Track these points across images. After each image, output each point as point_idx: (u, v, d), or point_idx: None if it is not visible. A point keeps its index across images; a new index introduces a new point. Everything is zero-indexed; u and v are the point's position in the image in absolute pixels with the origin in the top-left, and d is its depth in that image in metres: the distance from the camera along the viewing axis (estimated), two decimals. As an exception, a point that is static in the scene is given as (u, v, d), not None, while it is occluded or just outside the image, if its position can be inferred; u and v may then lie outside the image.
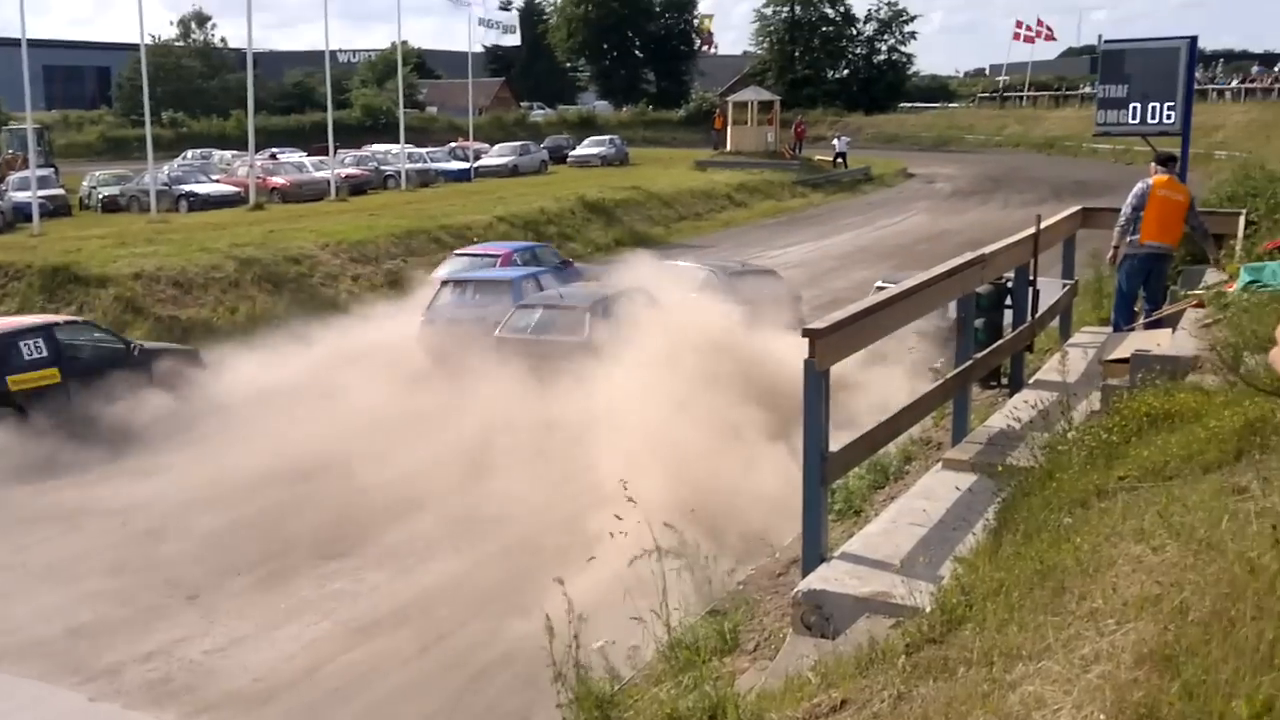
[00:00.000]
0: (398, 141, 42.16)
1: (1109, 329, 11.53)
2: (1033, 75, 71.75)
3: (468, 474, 11.48)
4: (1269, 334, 6.73)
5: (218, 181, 36.48)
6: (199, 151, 47.39)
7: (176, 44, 68.33)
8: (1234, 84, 55.62)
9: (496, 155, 47.17)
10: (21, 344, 13.76)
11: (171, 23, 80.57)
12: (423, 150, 45.41)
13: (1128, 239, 11.06)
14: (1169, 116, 16.43)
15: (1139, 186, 11.07)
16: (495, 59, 75.41)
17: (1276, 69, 57.87)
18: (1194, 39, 16.89)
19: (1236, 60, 71.01)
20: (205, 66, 67.00)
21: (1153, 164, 11.47)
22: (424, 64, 74.50)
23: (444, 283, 18.25)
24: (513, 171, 44.88)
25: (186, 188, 34.13)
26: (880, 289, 11.97)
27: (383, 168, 40.99)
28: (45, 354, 13.89)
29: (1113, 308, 11.63)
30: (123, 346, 15.02)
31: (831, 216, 37.16)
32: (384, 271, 24.13)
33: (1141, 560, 3.42)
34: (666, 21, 78.68)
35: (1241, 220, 12.80)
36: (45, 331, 14.23)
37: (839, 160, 49.22)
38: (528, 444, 11.95)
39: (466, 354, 14.52)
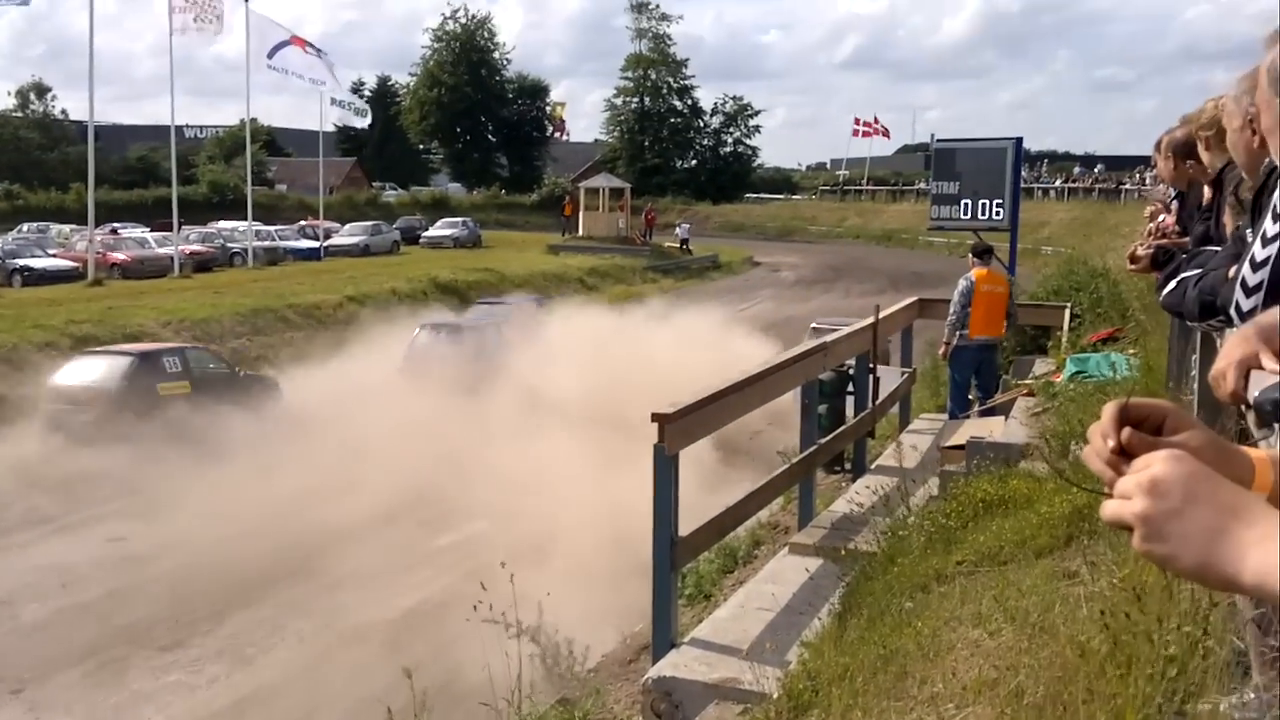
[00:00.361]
0: (245, 219, 41.30)
1: (945, 416, 12.00)
2: (871, 170, 74.77)
3: (313, 556, 11.17)
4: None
5: (55, 256, 35.04)
6: (36, 225, 45.56)
7: (14, 115, 65.99)
8: (1058, 183, 58.96)
9: (348, 235, 46.64)
10: (165, 360, 17.42)
11: (9, 93, 77.58)
12: (271, 228, 44.57)
13: (958, 333, 11.64)
14: (998, 213, 17.35)
15: (963, 284, 11.69)
16: (347, 139, 74.81)
17: (1096, 170, 61.68)
18: (1019, 140, 17.95)
19: (1059, 161, 75.31)
20: (44, 138, 64.87)
21: (970, 256, 12.11)
22: (274, 141, 73.46)
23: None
24: (364, 251, 44.38)
25: (21, 261, 32.61)
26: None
27: (229, 245, 40.05)
28: (180, 369, 17.37)
29: (949, 396, 12.15)
30: (230, 371, 18.54)
31: (681, 302, 37.67)
32: (229, 351, 23.43)
33: (979, 644, 3.53)
34: (520, 107, 79.55)
35: (1066, 313, 13.51)
36: (180, 353, 18.14)
37: (684, 246, 50.41)
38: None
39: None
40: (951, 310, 11.72)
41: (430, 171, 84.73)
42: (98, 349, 18.66)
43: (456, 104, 75.19)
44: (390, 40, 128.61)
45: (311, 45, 39.77)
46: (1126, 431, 1.09)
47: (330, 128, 52.74)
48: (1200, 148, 4.47)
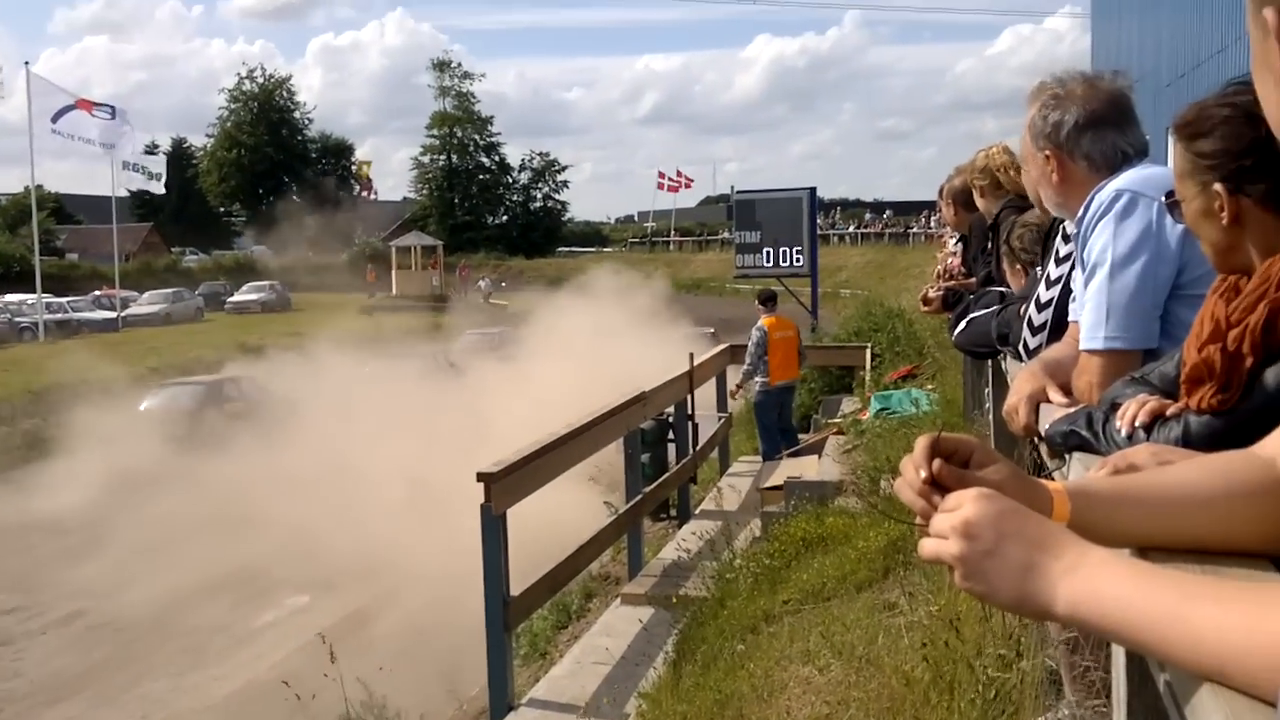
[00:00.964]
0: (33, 291, 39.12)
1: (761, 459, 12.34)
2: (676, 221, 76.30)
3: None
4: (899, 458, 7.45)
5: None
6: None
7: None
8: (851, 229, 61.56)
9: (147, 303, 44.70)
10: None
11: None
12: (63, 299, 42.31)
13: (758, 379, 12.08)
14: (798, 259, 18.07)
15: (757, 334, 12.17)
16: (142, 203, 71.82)
17: (885, 215, 64.76)
18: (813, 189, 18.77)
19: (851, 207, 78.45)
20: None
21: (758, 304, 12.59)
22: (63, 208, 69.88)
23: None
24: (166, 320, 42.60)
25: None
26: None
27: (17, 319, 37.82)
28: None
29: (759, 439, 12.55)
30: None
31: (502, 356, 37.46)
32: (21, 433, 22.09)
33: (810, 681, 3.66)
34: (324, 167, 78.13)
35: (868, 353, 14.10)
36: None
37: (487, 300, 50.49)
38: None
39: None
40: (748, 359, 12.15)
41: (233, 234, 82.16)
42: None
43: (257, 165, 73.29)
44: (184, 101, 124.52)
45: (102, 106, 38.18)
46: (937, 463, 1.16)
47: (123, 192, 50.63)
48: (976, 195, 4.77)
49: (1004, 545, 1.01)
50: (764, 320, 12.23)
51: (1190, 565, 1.07)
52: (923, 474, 1.16)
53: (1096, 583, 0.96)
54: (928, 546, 1.08)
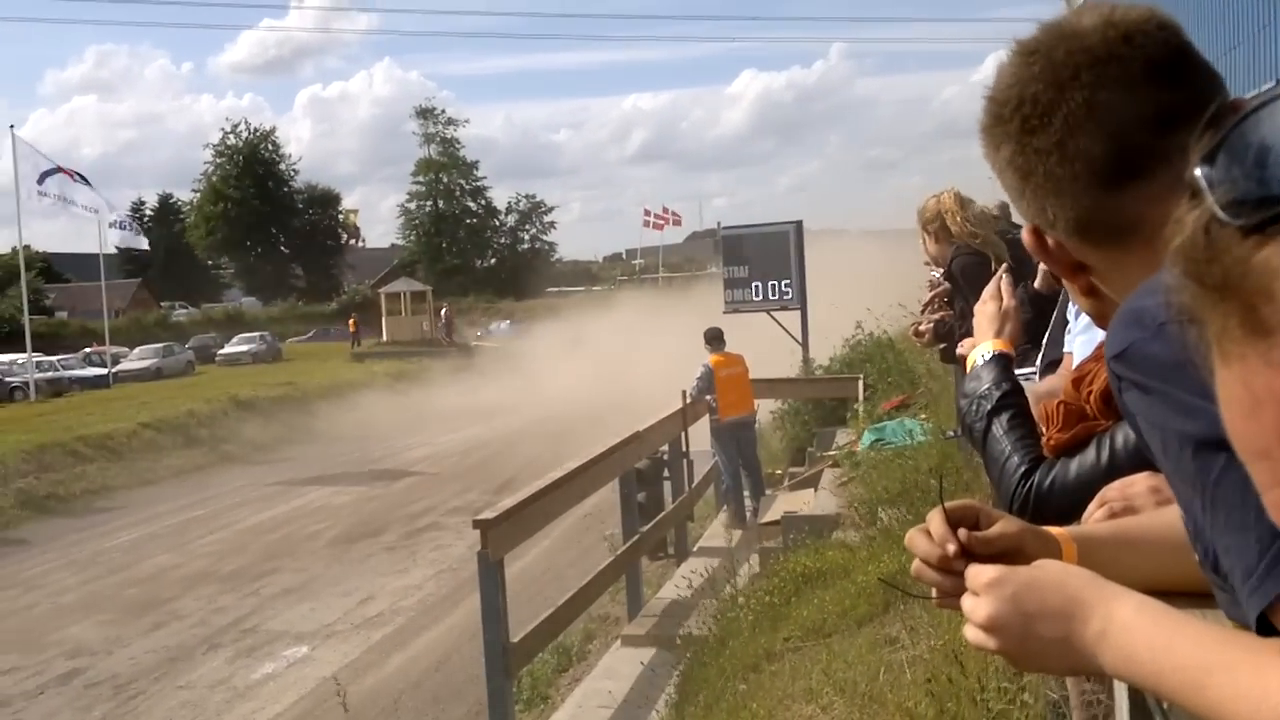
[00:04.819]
0: (24, 350, 39.04)
1: (764, 493, 12.32)
2: (664, 257, 76.63)
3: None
4: (896, 489, 7.45)
5: None
6: None
7: None
8: (839, 260, 61.76)
9: (137, 359, 44.66)
10: None
11: None
12: (54, 358, 42.21)
13: (713, 416, 12.03)
14: (787, 291, 18.12)
15: (702, 370, 12.14)
16: (130, 259, 71.83)
17: (874, 244, 65.11)
18: (799, 222, 18.83)
19: (839, 237, 78.68)
20: None
21: (705, 343, 12.56)
22: (51, 267, 69.91)
23: None
24: (156, 374, 42.53)
25: None
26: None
27: (7, 379, 37.71)
28: None
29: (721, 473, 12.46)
30: None
31: (494, 397, 37.39)
32: (14, 492, 21.96)
33: (813, 720, 3.64)
34: (311, 217, 78.30)
35: (860, 384, 14.09)
36: None
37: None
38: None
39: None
40: (693, 393, 11.99)
41: (222, 287, 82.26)
42: None
43: (244, 217, 73.44)
44: (175, 157, 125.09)
45: (79, 175, 38.31)
46: (963, 533, 1.13)
47: (111, 249, 50.65)
48: (929, 240, 4.75)
49: (1033, 627, 1.01)
50: (710, 359, 12.24)
51: (1197, 610, 1.07)
52: (951, 548, 1.13)
53: (1126, 650, 0.96)
54: (970, 634, 1.07)
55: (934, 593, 1.17)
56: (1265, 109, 0.53)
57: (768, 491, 12.42)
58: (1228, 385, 0.55)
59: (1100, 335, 2.06)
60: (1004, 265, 2.42)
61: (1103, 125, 1.06)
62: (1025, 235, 1.19)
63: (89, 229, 45.33)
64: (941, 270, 5.31)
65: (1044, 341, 3.06)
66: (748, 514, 11.86)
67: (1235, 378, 0.54)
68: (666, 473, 11.74)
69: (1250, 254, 0.51)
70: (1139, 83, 1.07)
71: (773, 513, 10.23)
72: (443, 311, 55.33)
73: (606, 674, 7.37)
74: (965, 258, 4.35)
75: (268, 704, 9.76)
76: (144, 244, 47.02)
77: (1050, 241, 1.16)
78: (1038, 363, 3.06)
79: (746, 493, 12.19)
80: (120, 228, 42.93)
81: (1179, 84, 1.07)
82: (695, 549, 10.91)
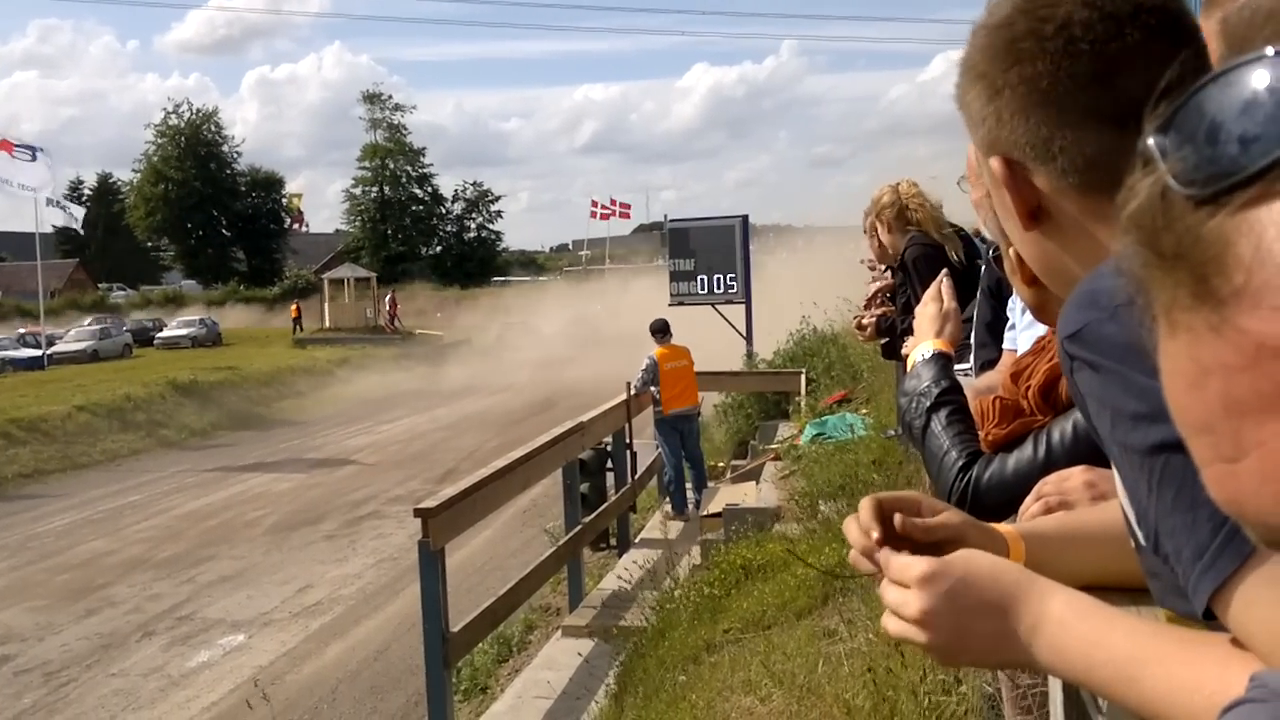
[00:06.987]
0: (-47, 331, 38.20)
1: (706, 485, 12.36)
2: (611, 249, 76.50)
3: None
4: (837, 482, 7.51)
5: None
6: None
7: None
8: (784, 255, 62.15)
9: (73, 340, 43.78)
10: None
11: None
12: (-14, 338, 41.36)
13: (656, 409, 12.04)
14: (732, 285, 18.20)
15: (647, 362, 12.11)
16: (68, 239, 70.50)
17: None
18: (745, 217, 18.91)
19: (784, 233, 79.12)
20: None
21: (651, 334, 12.55)
22: (-17, 245, 68.50)
23: None
24: (93, 356, 41.75)
25: None
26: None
27: (-65, 361, 36.90)
28: None
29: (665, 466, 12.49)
30: None
31: (437, 385, 37.19)
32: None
33: (752, 712, 3.66)
34: (254, 200, 77.12)
35: (803, 378, 14.19)
36: None
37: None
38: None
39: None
40: (638, 385, 11.99)
41: (162, 269, 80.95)
42: None
43: (185, 199, 72.20)
44: (117, 136, 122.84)
45: (23, 145, 37.41)
46: (898, 518, 1.12)
47: (48, 229, 49.63)
48: (882, 230, 4.78)
49: (967, 622, 1.00)
50: (656, 351, 12.21)
51: (1132, 605, 1.07)
52: (874, 535, 1.12)
53: (1059, 644, 0.96)
54: (893, 626, 1.05)
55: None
56: (1219, 80, 0.53)
57: (710, 484, 12.48)
58: (1173, 357, 0.54)
59: (1041, 331, 2.09)
60: (944, 270, 2.43)
61: (1149, 71, 0.99)
62: (994, 163, 1.09)
63: (25, 208, 44.40)
64: (883, 267, 5.36)
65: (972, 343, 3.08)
66: (690, 506, 11.89)
67: (1181, 349, 0.53)
68: (610, 464, 11.74)
69: (1202, 223, 0.51)
70: (1188, 42, 1.04)
71: (715, 505, 10.27)
72: (387, 299, 54.87)
73: (546, 664, 7.36)
74: (919, 247, 4.37)
75: (202, 692, 9.63)
76: (76, 223, 46.12)
77: (1023, 178, 1.08)
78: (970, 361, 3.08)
79: (689, 485, 12.21)
80: (55, 206, 42.09)
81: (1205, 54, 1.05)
82: (637, 540, 10.93)
